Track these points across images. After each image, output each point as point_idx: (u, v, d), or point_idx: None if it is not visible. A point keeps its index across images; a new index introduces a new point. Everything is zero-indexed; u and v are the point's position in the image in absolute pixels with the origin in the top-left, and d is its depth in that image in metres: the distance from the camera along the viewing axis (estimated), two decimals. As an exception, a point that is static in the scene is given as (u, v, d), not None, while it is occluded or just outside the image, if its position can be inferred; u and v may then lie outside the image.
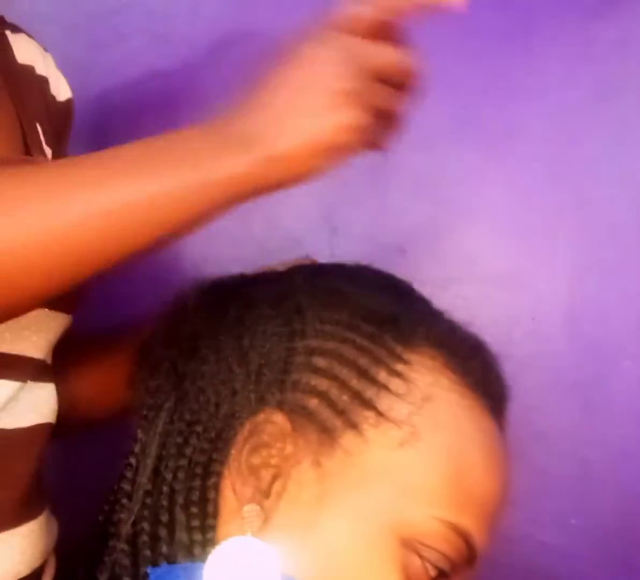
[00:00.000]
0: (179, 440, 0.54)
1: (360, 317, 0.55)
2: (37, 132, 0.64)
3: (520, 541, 0.79)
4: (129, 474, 0.55)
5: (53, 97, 0.70)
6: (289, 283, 0.58)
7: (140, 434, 0.56)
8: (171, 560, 0.51)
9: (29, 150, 0.62)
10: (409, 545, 0.50)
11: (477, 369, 0.56)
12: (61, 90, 0.72)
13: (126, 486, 0.55)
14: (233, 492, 0.52)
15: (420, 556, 0.50)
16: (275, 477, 0.52)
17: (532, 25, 0.82)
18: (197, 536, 0.51)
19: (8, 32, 0.67)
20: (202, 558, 0.49)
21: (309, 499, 0.51)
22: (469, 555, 0.52)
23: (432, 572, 0.50)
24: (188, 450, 0.53)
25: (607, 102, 0.80)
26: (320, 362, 0.54)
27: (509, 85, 0.82)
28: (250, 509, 0.51)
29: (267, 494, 0.51)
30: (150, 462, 0.54)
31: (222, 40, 0.88)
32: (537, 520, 0.80)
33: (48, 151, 0.66)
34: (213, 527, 0.52)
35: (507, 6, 0.83)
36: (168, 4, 0.89)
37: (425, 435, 0.52)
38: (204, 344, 0.56)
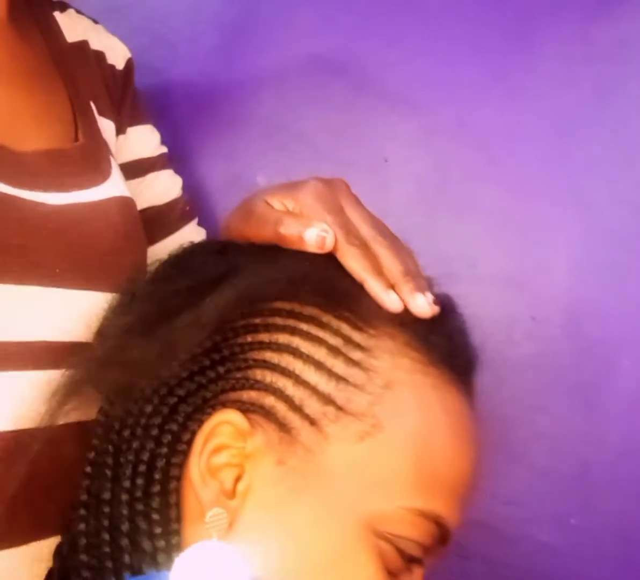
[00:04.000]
0: (136, 445, 0.52)
1: (313, 304, 0.53)
2: (91, 109, 0.65)
3: (520, 541, 0.79)
4: (85, 483, 0.53)
5: (112, 67, 0.72)
6: (230, 268, 0.54)
7: (94, 441, 0.54)
8: (135, 571, 0.50)
9: (77, 128, 0.63)
10: (380, 535, 0.49)
11: (441, 343, 0.54)
12: (119, 57, 0.74)
13: (83, 496, 0.53)
14: (195, 495, 0.50)
15: (392, 544, 0.49)
16: (238, 478, 0.50)
17: (532, 25, 0.82)
18: (160, 543, 0.50)
19: (57, 13, 0.68)
20: (168, 566, 0.48)
21: (275, 497, 0.50)
22: (442, 535, 0.51)
23: (406, 557, 0.50)
24: (145, 456, 0.51)
25: (607, 102, 0.80)
26: (273, 357, 0.52)
27: (509, 85, 0.82)
28: (215, 513, 0.49)
29: (231, 495, 0.50)
30: (106, 469, 0.52)
31: (222, 40, 0.89)
32: (537, 520, 0.80)
33: (106, 123, 0.67)
34: (177, 532, 0.50)
35: (507, 6, 0.83)
36: (168, 4, 0.90)
37: (387, 424, 0.50)
38: (148, 339, 0.53)
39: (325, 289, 0.53)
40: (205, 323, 0.51)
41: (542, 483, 0.79)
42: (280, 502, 0.50)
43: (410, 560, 0.50)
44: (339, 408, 0.50)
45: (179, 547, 0.50)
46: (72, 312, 0.56)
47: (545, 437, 0.80)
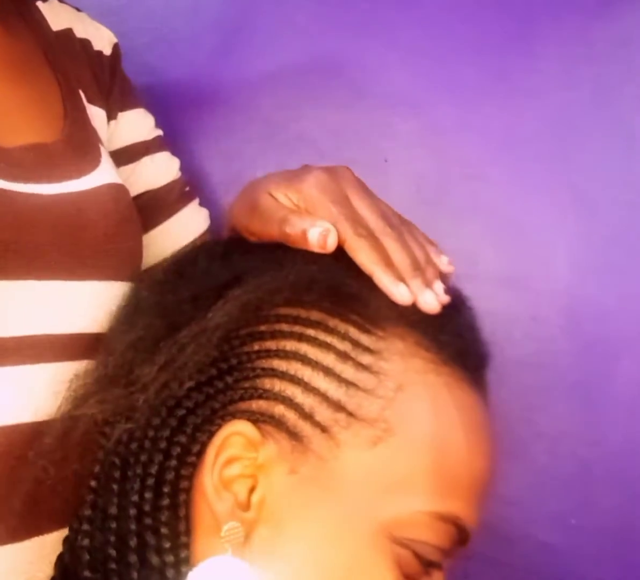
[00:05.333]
0: (144, 458, 0.51)
1: (319, 309, 0.52)
2: (80, 98, 0.65)
3: (520, 541, 0.79)
4: (89, 497, 0.52)
5: (99, 54, 0.72)
6: (233, 276, 0.53)
7: (100, 454, 0.52)
8: None
9: (67, 115, 0.63)
10: (397, 541, 0.48)
11: (452, 340, 0.53)
12: (105, 43, 0.74)
13: (87, 511, 0.52)
14: (209, 508, 0.49)
15: (410, 549, 0.48)
16: (252, 489, 0.49)
17: (532, 25, 0.82)
18: (169, 558, 0.49)
19: (39, 3, 0.68)
20: None
21: (289, 507, 0.49)
22: (461, 536, 0.50)
23: (424, 561, 0.49)
24: (153, 469, 0.50)
25: (607, 102, 0.80)
26: (281, 365, 0.51)
27: (509, 85, 0.82)
28: (231, 526, 0.48)
29: (246, 507, 0.49)
30: (113, 483, 0.51)
31: (222, 40, 0.89)
32: (537, 520, 0.80)
33: (96, 111, 0.67)
34: (186, 546, 0.49)
35: (507, 6, 0.83)
36: (168, 4, 0.90)
37: (400, 428, 0.49)
38: (152, 355, 0.52)
39: (331, 292, 0.52)
40: (208, 339, 0.51)
41: (542, 483, 0.79)
42: (296, 511, 0.49)
43: (428, 564, 0.49)
44: (350, 414, 0.49)
45: (187, 561, 0.49)
46: (72, 303, 0.56)
47: (545, 437, 0.80)
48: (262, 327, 0.52)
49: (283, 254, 0.55)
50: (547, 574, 0.80)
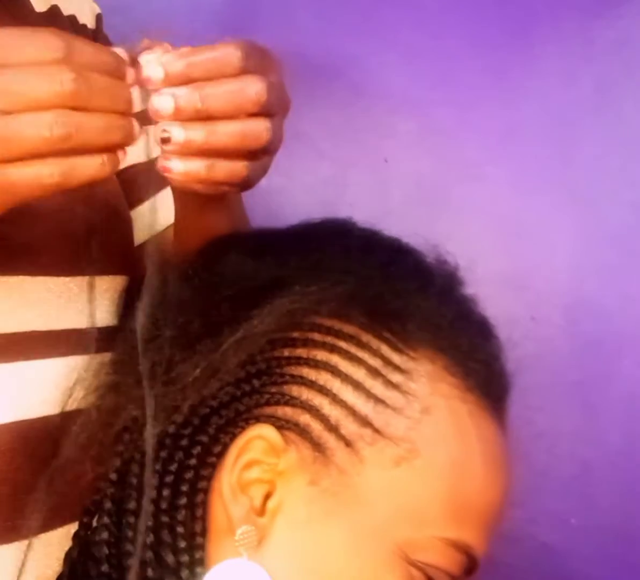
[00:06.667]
0: (164, 455, 0.50)
1: (354, 322, 0.51)
2: None
3: (520, 541, 0.79)
4: (109, 491, 0.51)
5: (83, 27, 0.70)
6: (273, 280, 0.52)
7: (119, 447, 0.52)
8: None
9: None
10: (412, 563, 0.48)
11: (479, 369, 0.53)
12: (89, 15, 0.71)
13: (107, 504, 0.51)
14: (224, 510, 0.49)
15: (423, 572, 0.48)
16: (268, 495, 0.49)
17: (532, 25, 0.82)
18: (184, 558, 0.48)
19: None
20: None
21: (306, 517, 0.49)
22: (470, 565, 0.50)
23: None
24: (173, 467, 0.50)
25: (607, 102, 0.80)
26: (310, 373, 0.50)
27: (509, 85, 0.82)
28: (244, 530, 0.48)
29: (260, 512, 0.49)
30: (133, 478, 0.51)
31: (222, 40, 0.89)
32: (537, 520, 0.80)
33: None
34: (201, 546, 0.49)
35: (507, 6, 0.83)
36: (168, 4, 0.90)
37: (424, 450, 0.49)
38: (190, 355, 0.51)
39: (369, 308, 0.51)
40: (253, 345, 0.50)
41: (542, 483, 0.79)
42: (311, 523, 0.49)
43: None
44: (376, 431, 0.49)
45: (202, 562, 0.49)
46: (64, 298, 0.55)
47: (545, 437, 0.80)
48: (295, 334, 0.51)
49: (318, 259, 0.54)
50: (547, 574, 0.80)
